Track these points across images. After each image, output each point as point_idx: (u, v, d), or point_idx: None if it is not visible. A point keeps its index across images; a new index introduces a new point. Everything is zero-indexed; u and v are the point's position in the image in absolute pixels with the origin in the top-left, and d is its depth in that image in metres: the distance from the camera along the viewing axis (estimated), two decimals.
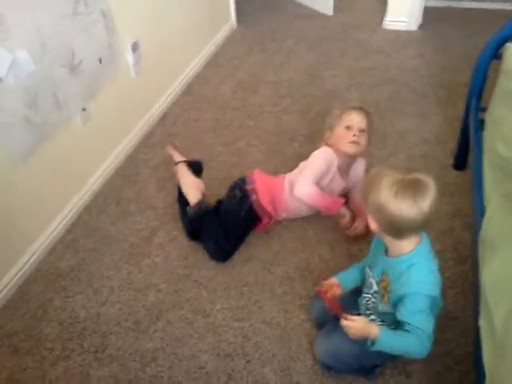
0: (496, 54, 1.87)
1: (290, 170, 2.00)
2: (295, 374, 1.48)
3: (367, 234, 1.77)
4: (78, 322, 1.67)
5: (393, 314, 1.26)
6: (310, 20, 3.74)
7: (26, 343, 1.62)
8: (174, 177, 2.07)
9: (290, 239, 1.93)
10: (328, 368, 1.46)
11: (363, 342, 1.28)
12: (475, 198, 1.62)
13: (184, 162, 2.03)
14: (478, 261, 1.36)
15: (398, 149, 2.35)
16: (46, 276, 1.84)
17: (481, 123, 1.89)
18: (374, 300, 1.36)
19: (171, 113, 2.73)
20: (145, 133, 2.55)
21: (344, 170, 1.94)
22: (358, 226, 1.87)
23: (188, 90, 2.93)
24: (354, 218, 1.89)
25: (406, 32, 3.48)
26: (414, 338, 1.21)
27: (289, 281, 1.77)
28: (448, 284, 1.70)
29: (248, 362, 1.53)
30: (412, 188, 1.14)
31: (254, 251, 1.89)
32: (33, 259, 1.86)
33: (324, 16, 3.78)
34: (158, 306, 1.71)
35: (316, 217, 1.99)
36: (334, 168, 1.89)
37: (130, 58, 2.36)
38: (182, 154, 2.09)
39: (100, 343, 1.61)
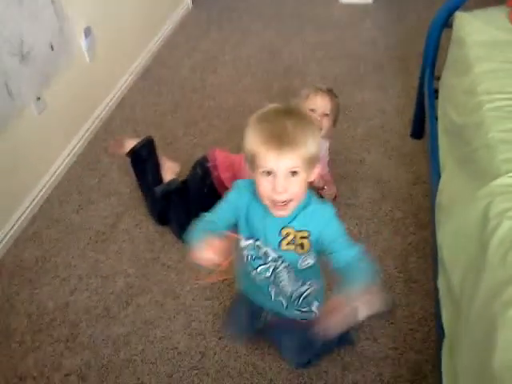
0: (447, 23, 1.91)
1: None
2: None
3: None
4: (46, 314, 1.66)
5: (313, 266, 1.19)
6: None
7: None
8: None
9: None
10: (308, 363, 1.45)
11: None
12: (432, 165, 1.67)
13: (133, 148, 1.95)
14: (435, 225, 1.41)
15: (356, 121, 2.37)
16: (11, 269, 1.81)
17: (435, 92, 1.94)
18: (285, 264, 1.20)
19: (129, 97, 2.68)
20: (104, 119, 2.50)
21: None
22: (332, 190, 1.92)
23: (145, 74, 2.88)
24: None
25: (362, 5, 3.49)
26: (362, 263, 1.07)
27: None
28: (410, 249, 1.75)
29: (220, 338, 1.55)
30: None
31: None
32: None
33: None
34: (128, 291, 1.71)
35: None
36: None
37: (83, 43, 2.30)
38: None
39: (70, 332, 1.60)
